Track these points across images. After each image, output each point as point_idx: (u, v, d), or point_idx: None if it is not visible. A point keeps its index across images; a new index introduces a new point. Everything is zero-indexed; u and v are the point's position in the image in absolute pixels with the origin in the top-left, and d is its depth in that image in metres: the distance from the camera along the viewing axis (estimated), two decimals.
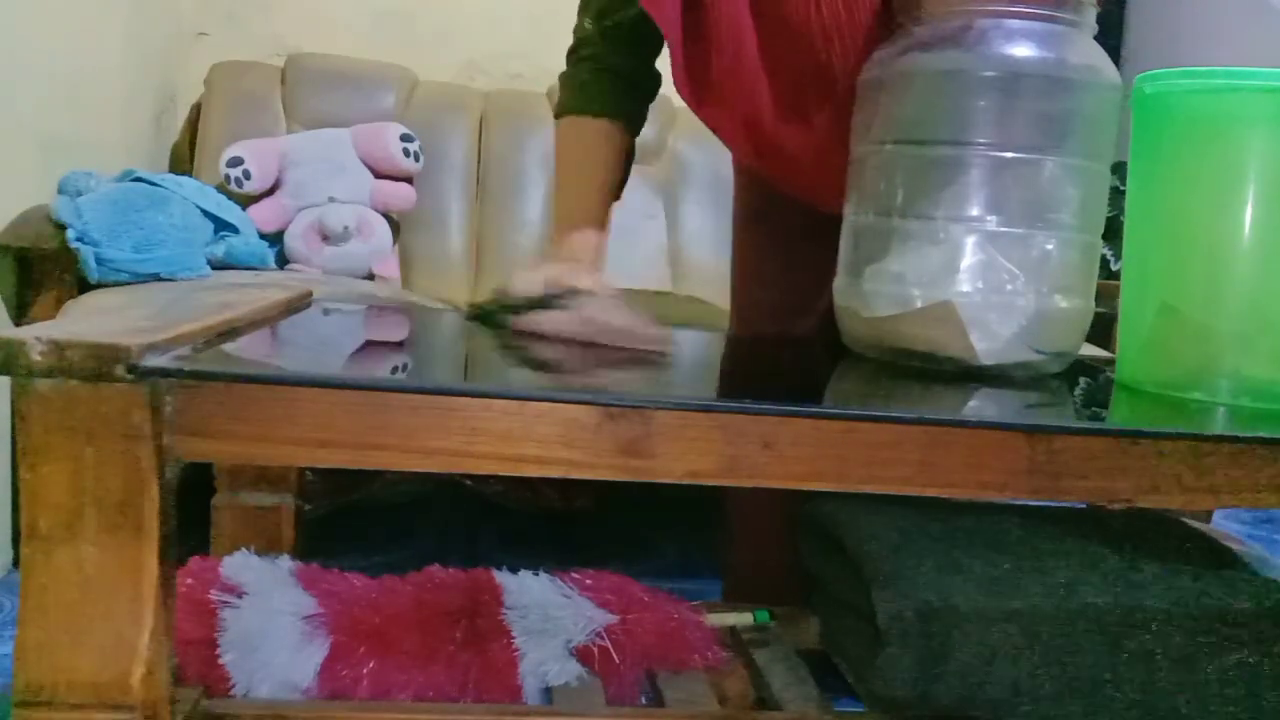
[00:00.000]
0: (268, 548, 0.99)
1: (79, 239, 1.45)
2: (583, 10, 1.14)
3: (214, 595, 0.88)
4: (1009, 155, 0.83)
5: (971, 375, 0.84)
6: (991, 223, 0.83)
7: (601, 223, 1.10)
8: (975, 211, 0.83)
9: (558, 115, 1.16)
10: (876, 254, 0.87)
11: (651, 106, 1.18)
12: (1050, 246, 0.83)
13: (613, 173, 1.13)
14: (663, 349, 0.88)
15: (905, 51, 0.88)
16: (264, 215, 1.82)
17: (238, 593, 0.89)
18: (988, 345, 0.82)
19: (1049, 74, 0.83)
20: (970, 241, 0.83)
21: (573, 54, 1.16)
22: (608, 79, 1.12)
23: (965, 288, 0.83)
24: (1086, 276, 0.87)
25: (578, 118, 1.13)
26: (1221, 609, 0.81)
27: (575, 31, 1.16)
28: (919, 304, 0.83)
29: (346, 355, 0.85)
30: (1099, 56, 0.86)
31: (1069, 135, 0.84)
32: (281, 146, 1.87)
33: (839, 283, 0.93)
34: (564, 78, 1.16)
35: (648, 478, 0.62)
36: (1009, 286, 0.83)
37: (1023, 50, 0.83)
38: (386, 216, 1.89)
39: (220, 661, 0.84)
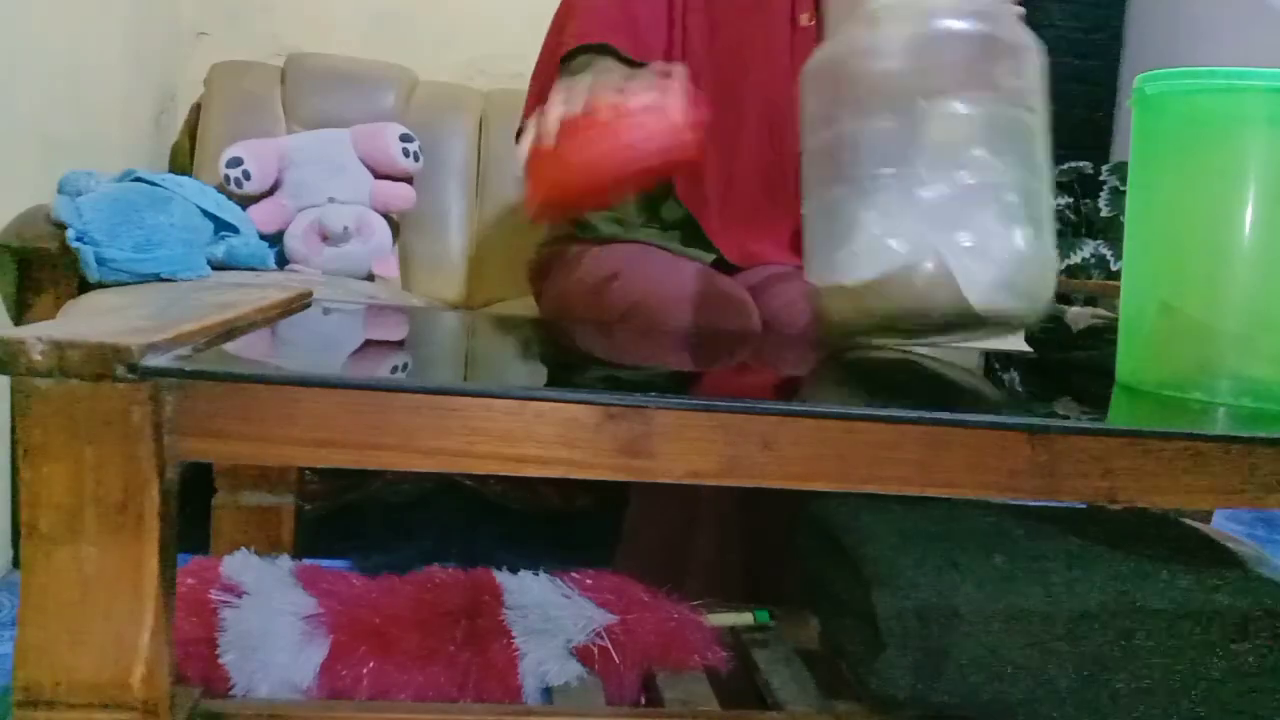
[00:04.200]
0: (268, 548, 0.99)
1: (79, 239, 1.45)
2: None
3: (214, 595, 0.88)
4: (969, 110, 0.86)
5: (955, 326, 0.85)
6: (963, 175, 0.85)
7: None
8: (941, 166, 0.85)
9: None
10: (847, 226, 0.88)
11: None
12: (1013, 196, 0.85)
13: None
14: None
15: (847, 35, 0.90)
16: (264, 215, 1.82)
17: (238, 593, 0.89)
18: (970, 287, 0.83)
19: (988, 33, 0.87)
20: (944, 193, 0.84)
21: None
22: None
23: (945, 237, 0.83)
24: (1048, 223, 0.89)
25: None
26: (1221, 609, 0.81)
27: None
28: (903, 258, 0.84)
29: (346, 355, 0.85)
30: (1027, 32, 0.90)
31: (1024, 92, 0.89)
32: (281, 147, 1.87)
33: (813, 268, 0.93)
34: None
35: (648, 478, 0.62)
36: (985, 232, 0.84)
37: (957, 19, 0.87)
38: (386, 216, 1.89)
39: (220, 661, 0.84)
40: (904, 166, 0.85)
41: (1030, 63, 0.89)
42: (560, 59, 1.26)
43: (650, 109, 0.88)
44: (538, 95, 1.32)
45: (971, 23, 0.87)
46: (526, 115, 1.34)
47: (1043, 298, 0.88)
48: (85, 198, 1.49)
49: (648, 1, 1.27)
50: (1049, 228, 0.89)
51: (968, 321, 0.85)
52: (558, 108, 0.92)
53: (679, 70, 0.93)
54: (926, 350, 1.09)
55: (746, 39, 1.31)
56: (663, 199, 1.35)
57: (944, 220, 0.84)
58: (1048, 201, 0.89)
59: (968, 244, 0.83)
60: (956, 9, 0.87)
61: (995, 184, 0.85)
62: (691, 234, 1.35)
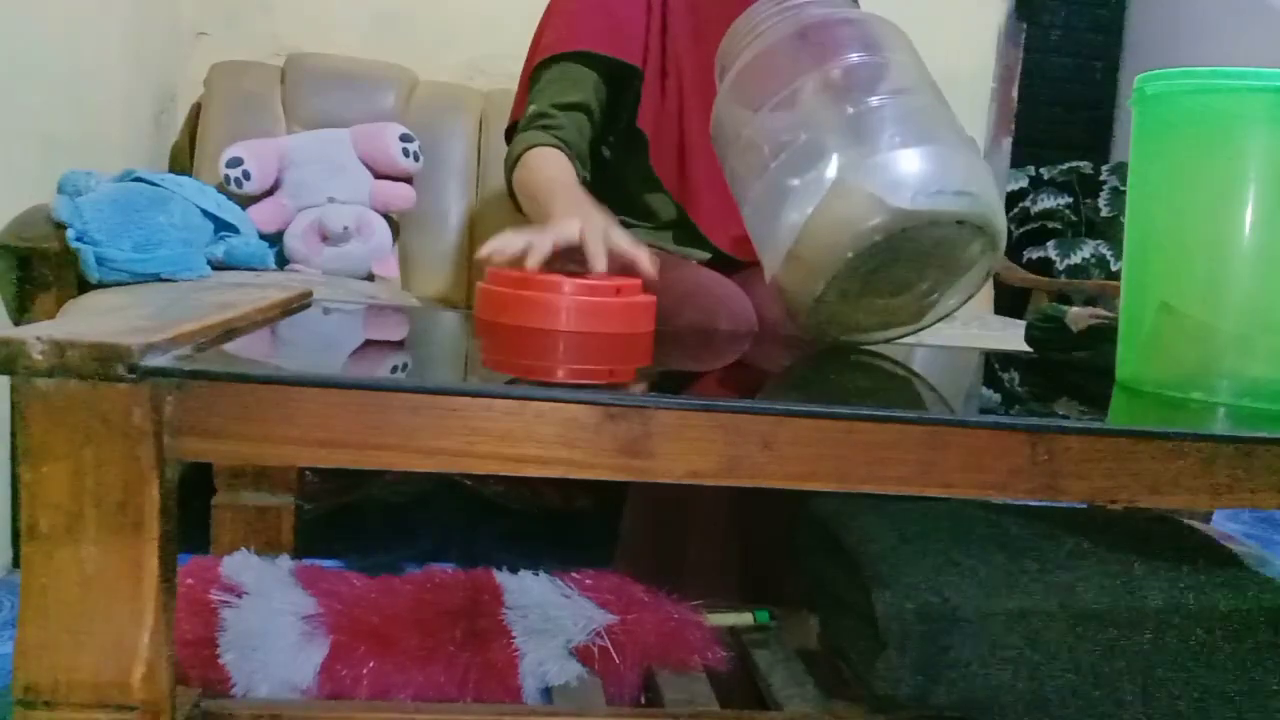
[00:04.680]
0: (268, 548, 0.99)
1: (79, 239, 1.45)
2: (532, 100, 1.29)
3: (214, 595, 0.88)
4: (857, 65, 0.95)
5: (906, 248, 0.88)
6: (862, 111, 0.91)
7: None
8: (839, 112, 0.91)
9: (519, 155, 1.24)
10: (776, 207, 0.93)
11: None
12: (890, 107, 0.90)
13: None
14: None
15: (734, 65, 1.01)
16: (264, 215, 1.82)
17: (238, 593, 0.89)
18: (898, 194, 0.85)
19: (852, 18, 1.01)
20: (848, 132, 0.89)
21: (526, 126, 1.27)
22: (564, 148, 1.25)
23: (853, 163, 0.87)
24: (948, 124, 0.93)
25: (546, 149, 1.23)
26: (1221, 609, 0.81)
27: (525, 113, 1.29)
28: (820, 191, 0.87)
29: (346, 355, 0.85)
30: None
31: (897, 51, 0.98)
32: (281, 146, 1.87)
33: (765, 266, 0.96)
34: (521, 138, 1.26)
35: (648, 478, 0.62)
36: (893, 148, 0.87)
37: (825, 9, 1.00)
38: (386, 216, 1.89)
39: (220, 661, 0.85)
40: (806, 130, 0.91)
41: (900, 37, 0.99)
42: (533, 69, 1.30)
43: (609, 292, 0.94)
44: (524, 95, 1.35)
45: (838, 10, 0.99)
46: (514, 116, 1.36)
47: (978, 193, 0.90)
48: (85, 198, 1.49)
49: (626, 4, 1.29)
50: (964, 140, 0.93)
51: (916, 234, 0.87)
52: (542, 246, 0.96)
53: (645, 253, 1.00)
54: (927, 349, 1.09)
55: None
56: (657, 197, 1.36)
57: (853, 152, 0.88)
58: (955, 122, 0.95)
59: (877, 159, 0.87)
60: (825, 7, 0.99)
61: (896, 114, 0.90)
62: (686, 232, 1.35)
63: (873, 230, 0.86)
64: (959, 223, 0.88)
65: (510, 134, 1.37)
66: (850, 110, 0.91)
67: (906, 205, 0.85)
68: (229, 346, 0.69)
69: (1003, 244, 0.94)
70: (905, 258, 0.91)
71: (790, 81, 0.94)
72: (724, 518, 1.21)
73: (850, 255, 0.88)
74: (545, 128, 1.25)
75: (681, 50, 1.33)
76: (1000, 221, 0.92)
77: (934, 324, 1.03)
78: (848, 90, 0.92)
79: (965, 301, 1.00)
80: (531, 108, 1.27)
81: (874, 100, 0.91)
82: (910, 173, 0.86)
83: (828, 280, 0.90)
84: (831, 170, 0.87)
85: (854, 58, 0.94)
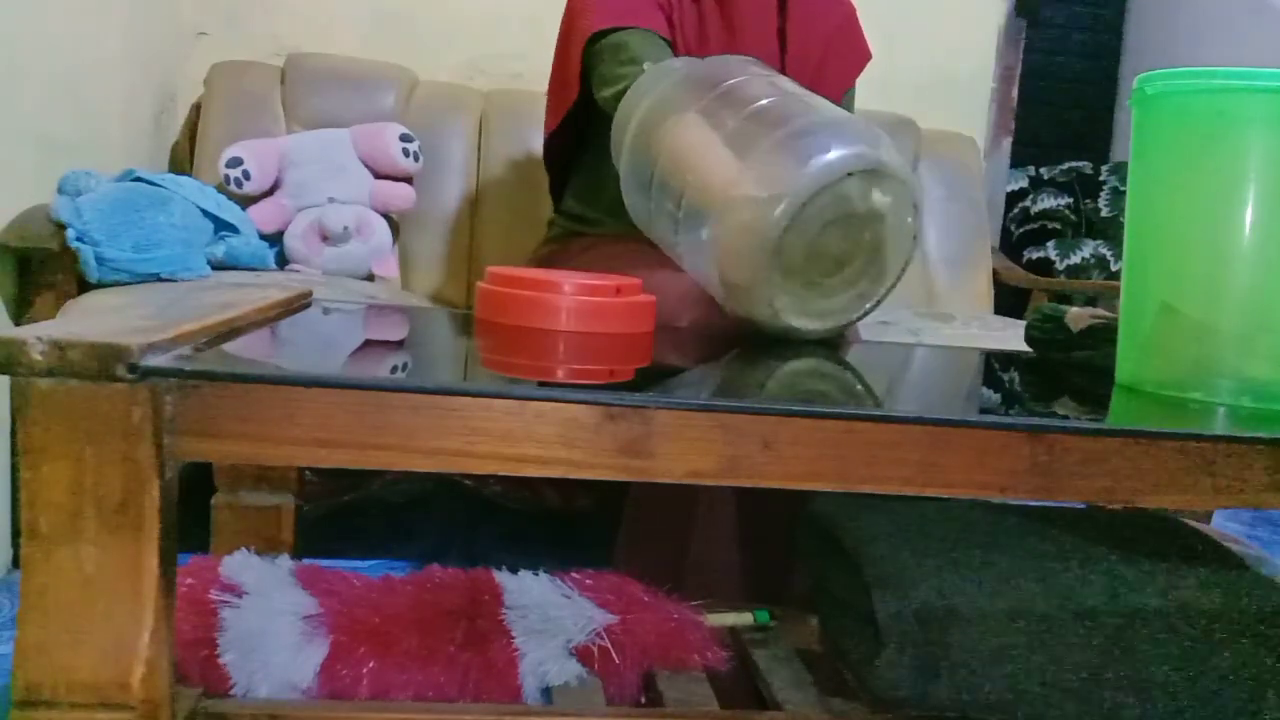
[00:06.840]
0: (268, 548, 0.99)
1: (79, 239, 1.45)
2: (630, 61, 1.28)
3: (214, 595, 0.88)
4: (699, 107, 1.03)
5: (810, 208, 0.91)
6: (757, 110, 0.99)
7: None
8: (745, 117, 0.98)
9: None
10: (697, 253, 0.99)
11: None
12: (746, 119, 0.98)
13: None
14: None
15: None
16: (264, 215, 1.82)
17: (238, 593, 0.89)
18: (778, 183, 0.90)
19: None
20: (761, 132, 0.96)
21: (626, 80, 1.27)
22: None
23: (724, 184, 0.94)
24: (802, 107, 1.00)
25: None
26: (1221, 609, 0.81)
27: (618, 77, 1.28)
28: (716, 225, 0.93)
29: (346, 355, 0.85)
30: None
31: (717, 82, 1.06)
32: (281, 147, 1.87)
33: (719, 298, 1.00)
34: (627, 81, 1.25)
35: (648, 478, 0.62)
36: (750, 150, 0.94)
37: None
38: (386, 216, 1.89)
39: (220, 661, 0.84)
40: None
41: (740, 64, 1.12)
42: (589, 39, 1.30)
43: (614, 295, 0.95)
44: (556, 100, 1.39)
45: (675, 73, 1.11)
46: (549, 130, 1.37)
47: (851, 144, 0.93)
48: (85, 198, 1.49)
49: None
50: (822, 109, 1.01)
51: (815, 206, 0.90)
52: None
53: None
54: (927, 349, 1.09)
55: (736, 39, 1.34)
56: None
57: (732, 170, 0.94)
58: (809, 99, 1.03)
59: (749, 166, 0.93)
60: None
61: (754, 122, 0.96)
62: None
63: (776, 221, 0.89)
64: (848, 175, 0.91)
65: (558, 134, 1.43)
66: (751, 111, 0.98)
67: (790, 188, 0.89)
68: (229, 346, 0.69)
69: (905, 174, 0.95)
70: (825, 230, 0.93)
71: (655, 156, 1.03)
72: (724, 518, 1.21)
73: (767, 255, 0.91)
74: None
75: (691, 51, 1.34)
76: (886, 155, 0.94)
77: (903, 272, 1.03)
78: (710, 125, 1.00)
79: (913, 243, 1.01)
80: (629, 68, 1.28)
81: (730, 123, 0.98)
82: (782, 159, 0.91)
83: (765, 285, 0.93)
84: (720, 194, 0.93)
85: (711, 96, 1.03)
